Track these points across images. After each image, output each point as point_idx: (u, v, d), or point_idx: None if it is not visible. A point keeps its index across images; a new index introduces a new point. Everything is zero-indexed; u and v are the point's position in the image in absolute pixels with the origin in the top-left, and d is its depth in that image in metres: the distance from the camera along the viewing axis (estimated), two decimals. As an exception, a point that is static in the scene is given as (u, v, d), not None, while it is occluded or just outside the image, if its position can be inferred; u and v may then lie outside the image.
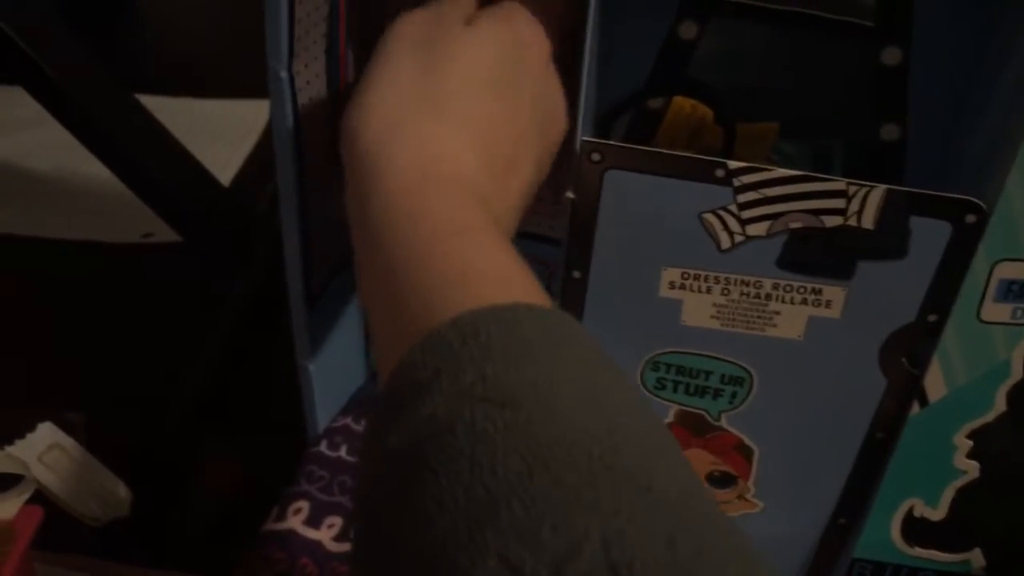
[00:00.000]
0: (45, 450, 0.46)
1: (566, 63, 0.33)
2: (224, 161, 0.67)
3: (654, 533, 0.17)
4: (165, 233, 0.59)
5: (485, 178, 0.28)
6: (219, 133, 0.70)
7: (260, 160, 0.67)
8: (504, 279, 0.24)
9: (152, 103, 0.58)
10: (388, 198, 0.26)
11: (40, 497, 0.44)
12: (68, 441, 0.46)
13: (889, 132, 0.36)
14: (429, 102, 0.28)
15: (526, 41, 0.31)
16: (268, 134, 0.34)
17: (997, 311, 0.32)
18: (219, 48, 0.79)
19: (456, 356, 0.21)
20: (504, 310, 0.22)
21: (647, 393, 0.37)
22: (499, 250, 0.25)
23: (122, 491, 0.45)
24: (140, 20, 0.86)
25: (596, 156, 0.32)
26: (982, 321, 0.32)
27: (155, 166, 0.58)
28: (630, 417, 0.21)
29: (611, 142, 0.32)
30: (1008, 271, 0.31)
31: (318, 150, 0.35)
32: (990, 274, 0.31)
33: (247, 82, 0.71)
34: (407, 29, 0.30)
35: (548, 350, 0.21)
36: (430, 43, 0.30)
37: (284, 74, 0.31)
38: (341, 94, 0.36)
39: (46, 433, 0.46)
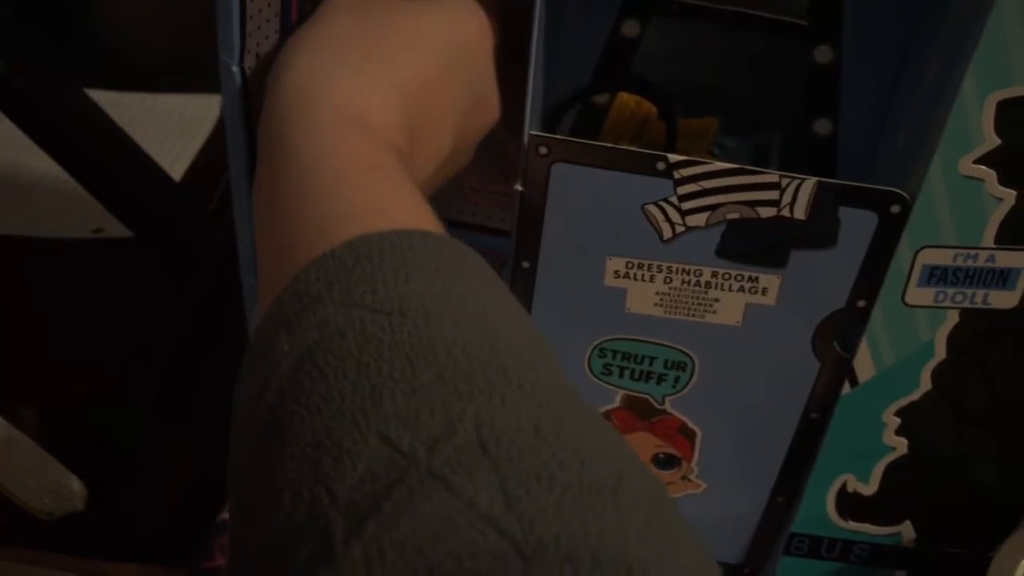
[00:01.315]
0: (-3, 445, 0.46)
1: (506, 57, 0.34)
2: (175, 156, 0.67)
3: (521, 418, 0.19)
4: (116, 228, 0.59)
5: (403, 136, 0.29)
6: (170, 128, 0.70)
7: (212, 155, 0.67)
8: (404, 212, 0.25)
9: (102, 98, 0.58)
10: (306, 136, 0.27)
11: (-7, 492, 0.44)
12: (20, 436, 0.46)
13: (822, 127, 0.37)
14: (360, 54, 0.29)
15: (462, 27, 0.32)
16: (220, 128, 0.34)
17: (920, 295, 0.34)
18: (170, 43, 0.78)
19: (349, 273, 0.22)
20: (399, 234, 0.23)
21: (594, 379, 0.38)
22: (403, 190, 0.26)
23: (76, 485, 0.45)
24: (90, 15, 0.85)
25: (543, 150, 0.33)
26: (907, 305, 0.34)
27: (105, 161, 0.58)
28: (509, 327, 0.22)
29: (558, 136, 0.33)
30: (930, 257, 0.33)
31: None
32: (913, 261, 0.33)
33: (198, 77, 0.71)
34: None
35: (437, 269, 0.23)
36: (369, 7, 0.31)
37: (235, 68, 0.32)
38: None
39: (-2, 428, 0.46)
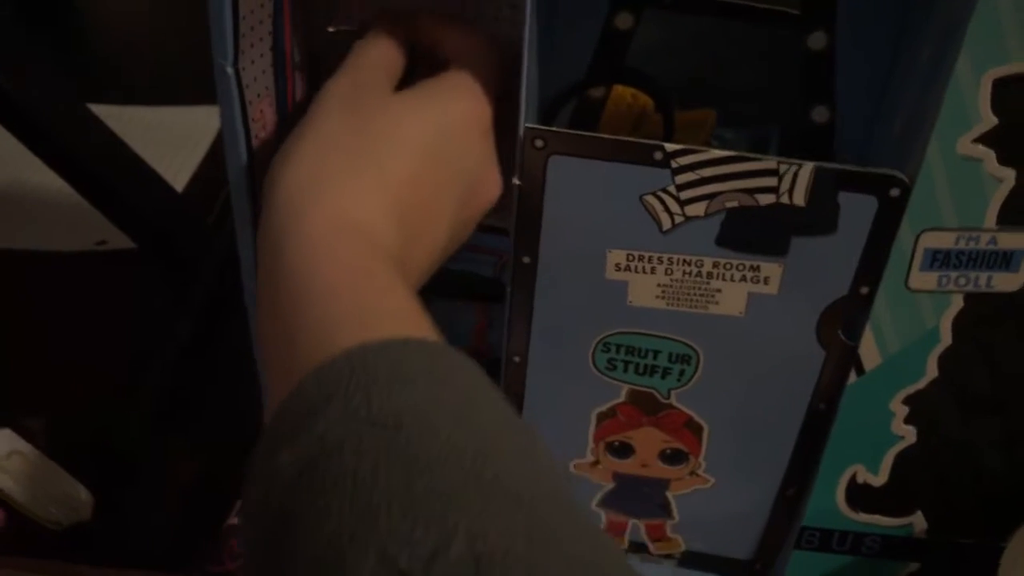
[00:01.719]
0: (5, 456, 0.46)
1: (502, 126, 0.34)
2: (178, 167, 0.67)
3: (515, 529, 0.20)
4: (119, 240, 0.59)
5: (395, 238, 0.29)
6: (172, 140, 0.70)
7: (213, 166, 0.68)
8: (400, 319, 0.26)
9: (104, 112, 0.58)
10: (299, 246, 0.27)
11: (0, 503, 0.44)
12: (27, 447, 0.46)
13: (819, 114, 0.37)
14: (351, 161, 0.30)
15: (454, 116, 0.32)
16: (221, 139, 0.34)
17: (924, 280, 0.33)
18: (169, 55, 0.79)
19: (346, 384, 0.23)
20: (394, 343, 0.24)
21: (599, 374, 0.38)
22: (398, 294, 0.27)
23: (83, 495, 0.45)
24: (89, 30, 0.86)
25: (539, 142, 0.33)
26: (910, 290, 0.34)
27: (109, 174, 0.58)
28: (502, 435, 0.23)
29: (553, 128, 0.33)
30: (932, 241, 0.33)
31: (267, 147, 0.36)
32: (915, 245, 0.33)
33: (198, 89, 0.72)
34: (337, 92, 0.32)
35: (431, 378, 0.23)
36: (359, 108, 0.31)
37: (230, 70, 0.32)
38: (288, 91, 0.37)
39: (5, 440, 0.46)
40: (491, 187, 0.34)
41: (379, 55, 0.33)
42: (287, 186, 0.29)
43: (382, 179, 0.30)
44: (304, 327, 0.25)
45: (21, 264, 0.60)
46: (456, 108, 0.32)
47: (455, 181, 0.32)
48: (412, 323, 0.26)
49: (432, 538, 0.19)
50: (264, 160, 0.36)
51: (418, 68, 0.36)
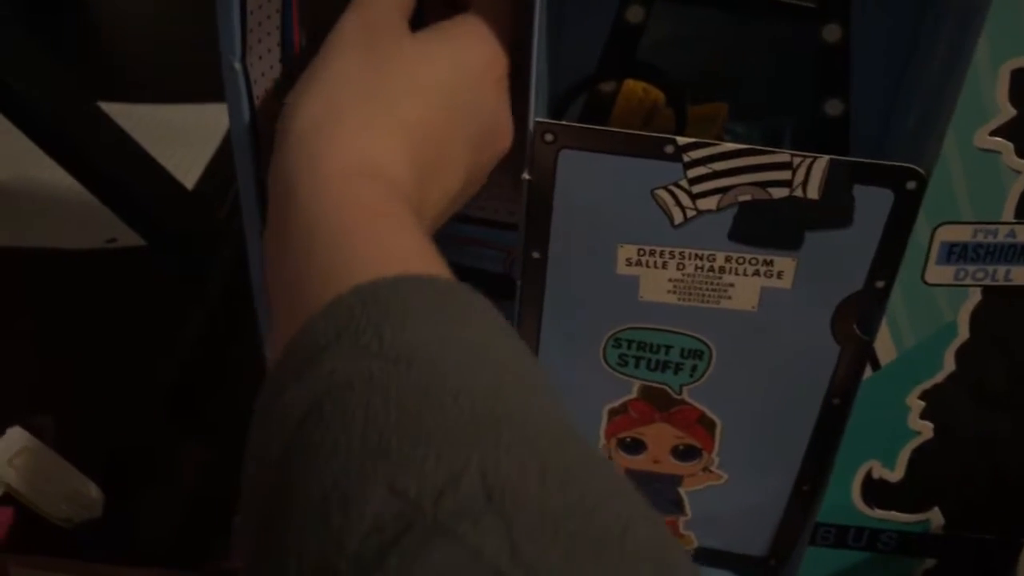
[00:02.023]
0: (14, 454, 0.45)
1: (515, 75, 0.33)
2: (188, 165, 0.67)
3: (527, 464, 0.19)
4: (129, 238, 0.59)
5: (409, 179, 0.29)
6: (182, 138, 0.70)
7: (224, 163, 0.67)
8: (413, 257, 0.25)
9: (113, 110, 0.58)
10: (314, 185, 0.27)
11: (11, 501, 0.44)
12: (37, 444, 0.46)
13: (833, 107, 0.37)
14: (367, 100, 0.29)
15: (469, 61, 0.32)
16: (230, 136, 0.34)
17: (941, 274, 0.33)
18: (178, 53, 0.79)
19: (356, 319, 0.22)
20: (404, 280, 0.23)
21: (611, 370, 0.38)
22: (411, 235, 0.26)
23: (93, 492, 0.45)
24: (99, 29, 0.86)
25: (549, 136, 0.33)
26: (927, 284, 0.33)
27: (118, 171, 0.58)
28: (514, 372, 0.23)
29: (564, 122, 0.33)
30: (949, 234, 0.32)
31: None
32: (932, 238, 0.32)
33: (207, 87, 0.71)
34: (350, 29, 0.31)
35: (442, 314, 0.23)
36: (375, 46, 0.31)
37: (238, 65, 0.32)
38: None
39: (15, 437, 0.46)
40: (504, 135, 0.33)
41: None
42: (300, 125, 0.28)
43: (397, 120, 0.29)
44: (315, 267, 0.25)
45: (31, 262, 0.60)
46: (472, 53, 0.32)
47: (469, 126, 0.31)
48: (425, 261, 0.25)
49: (444, 470, 0.19)
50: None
51: (430, 5, 0.35)
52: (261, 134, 0.34)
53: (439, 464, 0.19)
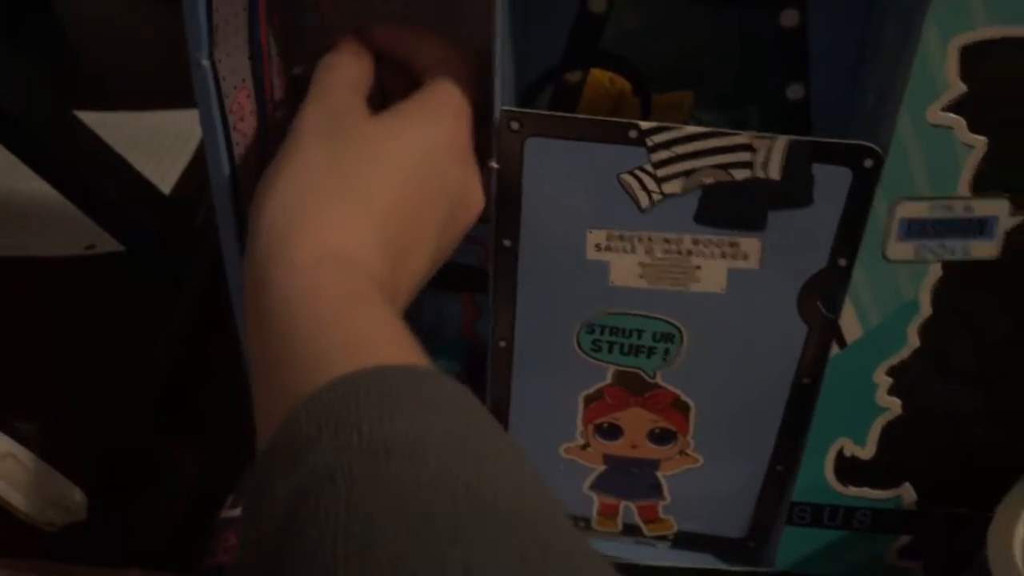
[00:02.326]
0: (-3, 460, 0.46)
1: (481, 136, 0.34)
2: (164, 170, 0.68)
3: (510, 551, 0.20)
4: (108, 244, 0.59)
5: (380, 264, 0.29)
6: (157, 144, 0.70)
7: (201, 168, 0.68)
8: (389, 347, 0.26)
9: (89, 118, 0.58)
10: (285, 276, 0.28)
11: (-6, 507, 0.44)
12: (21, 451, 0.46)
13: (794, 92, 0.37)
14: (333, 189, 0.30)
15: (432, 141, 0.32)
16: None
17: (901, 250, 0.34)
18: (152, 61, 0.79)
19: (336, 413, 0.23)
20: (382, 370, 0.24)
21: (584, 356, 0.38)
22: (386, 322, 0.27)
23: (77, 496, 0.46)
24: (70, 38, 0.86)
25: (515, 125, 0.33)
26: (888, 260, 0.34)
27: (96, 178, 0.58)
28: (494, 457, 0.23)
29: (529, 110, 0.33)
30: (907, 210, 0.33)
31: (246, 141, 0.36)
32: (891, 215, 0.33)
33: (183, 93, 0.72)
34: (312, 118, 0.32)
35: (420, 404, 0.24)
36: (335, 135, 0.31)
37: (206, 62, 0.32)
38: (266, 82, 0.37)
39: (-3, 444, 0.46)
40: (473, 204, 0.34)
41: (348, 75, 0.33)
42: (269, 218, 0.29)
43: (364, 207, 0.30)
44: (292, 360, 0.25)
45: (11, 270, 0.60)
46: (436, 130, 0.32)
47: (438, 203, 0.32)
48: (401, 351, 0.26)
49: (428, 571, 0.19)
50: (243, 153, 0.36)
51: (388, 80, 0.36)
52: (231, 129, 0.35)
53: (424, 565, 0.19)
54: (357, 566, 0.20)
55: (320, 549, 0.20)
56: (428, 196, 0.32)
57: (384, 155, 0.31)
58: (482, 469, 0.22)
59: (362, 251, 0.29)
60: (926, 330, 0.35)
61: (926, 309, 0.35)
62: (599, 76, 0.40)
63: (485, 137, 0.34)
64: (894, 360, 0.36)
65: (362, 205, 0.30)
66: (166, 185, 0.66)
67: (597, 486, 0.42)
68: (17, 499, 0.45)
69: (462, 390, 0.25)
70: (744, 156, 0.33)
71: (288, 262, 0.28)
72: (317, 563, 0.20)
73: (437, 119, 0.33)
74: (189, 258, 0.58)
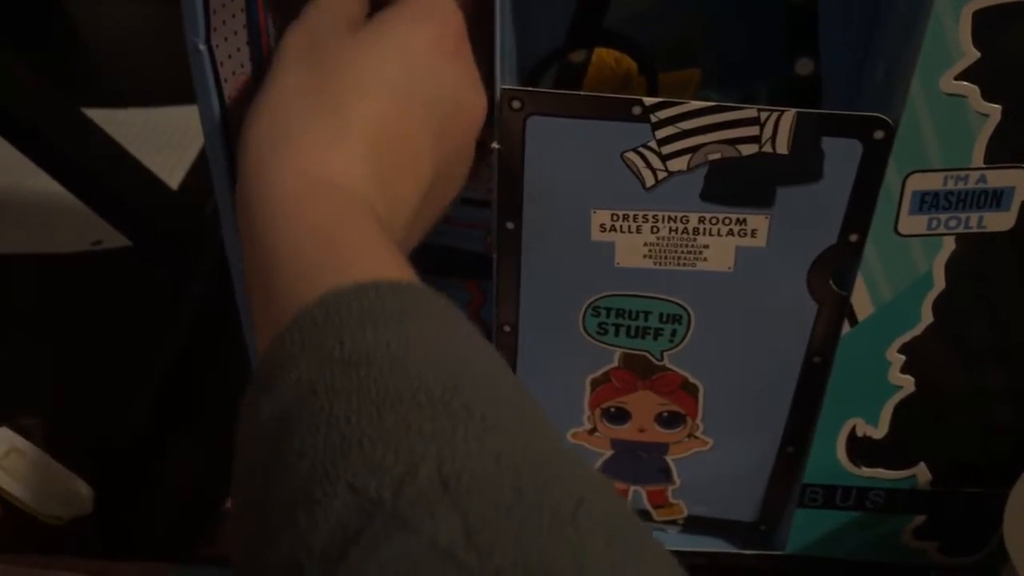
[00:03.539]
0: (3, 455, 0.46)
1: (478, 42, 0.33)
2: (172, 165, 0.68)
3: (483, 451, 0.20)
4: (115, 239, 0.59)
5: (368, 181, 0.29)
6: (165, 140, 0.70)
7: (208, 164, 0.67)
8: (373, 263, 0.26)
9: (97, 115, 0.58)
10: (273, 204, 0.27)
11: (1, 501, 0.44)
12: (26, 445, 0.46)
13: (804, 66, 0.37)
14: (312, 110, 0.29)
15: (414, 43, 0.31)
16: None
17: (914, 223, 0.33)
18: (158, 58, 0.79)
19: (320, 329, 0.23)
20: (367, 287, 0.24)
21: (590, 339, 0.38)
22: (372, 239, 0.27)
23: (83, 489, 0.45)
24: (78, 35, 0.86)
25: (516, 104, 0.33)
26: (900, 235, 0.33)
27: (102, 174, 0.58)
28: (474, 365, 0.23)
29: (530, 88, 0.33)
30: (920, 183, 0.32)
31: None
32: (903, 188, 0.32)
33: (188, 89, 0.71)
34: (293, 42, 0.31)
35: (403, 314, 0.24)
36: (315, 55, 0.30)
37: (203, 47, 0.32)
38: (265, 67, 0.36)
39: (3, 438, 0.46)
40: (473, 108, 0.32)
41: (333, 3, 0.32)
42: (251, 147, 0.29)
43: (347, 124, 0.29)
44: (280, 284, 0.26)
45: (18, 266, 0.61)
46: (417, 34, 0.31)
47: (428, 111, 0.31)
48: (387, 266, 0.26)
49: (401, 465, 0.19)
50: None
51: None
52: (231, 114, 0.34)
53: (397, 459, 0.20)
54: (334, 471, 0.20)
55: (302, 460, 0.20)
56: (413, 104, 0.30)
57: (358, 67, 0.30)
58: (462, 378, 0.22)
59: (346, 171, 0.28)
60: (940, 305, 0.34)
61: (940, 284, 0.34)
62: (604, 56, 0.39)
63: (483, 50, 0.32)
64: (907, 337, 0.35)
65: (340, 121, 0.29)
66: (173, 181, 0.66)
67: (605, 471, 0.42)
68: (23, 493, 0.45)
69: (451, 306, 0.25)
70: (751, 131, 0.32)
71: (271, 185, 0.28)
72: (300, 473, 0.20)
73: (416, 20, 0.31)
74: (196, 253, 0.58)
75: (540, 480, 0.20)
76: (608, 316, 0.37)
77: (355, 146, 0.29)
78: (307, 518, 0.19)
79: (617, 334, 0.37)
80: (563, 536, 0.18)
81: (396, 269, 0.26)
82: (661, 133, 0.33)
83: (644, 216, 0.34)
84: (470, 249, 0.44)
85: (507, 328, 0.38)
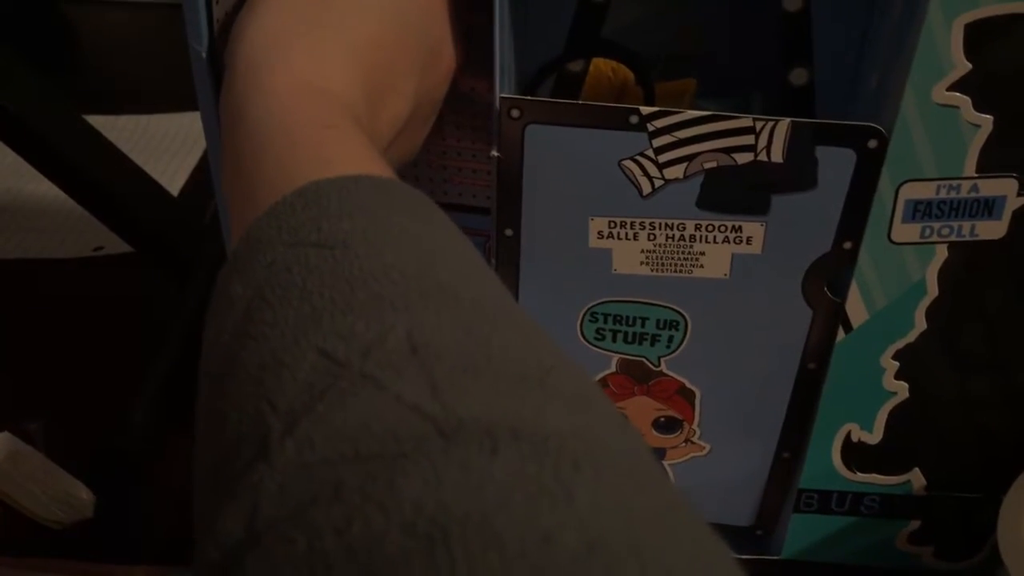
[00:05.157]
0: (3, 459, 0.46)
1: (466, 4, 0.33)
2: (173, 171, 0.68)
3: (454, 323, 0.20)
4: (116, 245, 0.59)
5: (359, 99, 0.29)
6: (166, 147, 0.71)
7: (209, 170, 0.68)
8: (357, 161, 0.26)
9: (98, 122, 0.59)
10: (263, 103, 0.27)
11: (1, 504, 0.44)
12: (27, 449, 0.46)
13: (798, 77, 0.37)
14: (312, 22, 0.30)
15: None
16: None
17: (907, 232, 0.33)
18: (159, 65, 0.80)
19: (298, 215, 0.23)
20: (348, 179, 0.24)
21: (588, 345, 0.38)
22: (357, 144, 0.27)
23: (84, 494, 0.46)
24: (78, 43, 0.87)
25: (515, 112, 0.33)
26: (894, 243, 0.34)
27: (104, 180, 0.58)
28: (451, 254, 0.23)
29: (528, 97, 0.33)
30: (913, 191, 0.33)
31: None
32: (896, 196, 0.33)
33: (189, 96, 0.72)
34: None
35: (382, 204, 0.24)
36: None
37: (205, 54, 0.32)
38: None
39: (4, 443, 0.46)
40: (447, 56, 0.33)
41: None
42: (248, 50, 0.29)
43: (344, 40, 0.29)
44: (263, 178, 0.25)
45: (20, 272, 0.61)
46: None
47: (418, 45, 0.31)
48: (369, 164, 0.26)
49: (371, 333, 0.20)
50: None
51: None
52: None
53: (368, 328, 0.20)
54: (304, 339, 0.20)
55: (274, 330, 0.21)
56: (405, 37, 0.31)
57: None
58: (437, 261, 0.22)
59: (340, 84, 0.29)
60: (933, 312, 0.35)
61: (933, 291, 0.34)
62: (601, 66, 0.40)
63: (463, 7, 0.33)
64: (901, 344, 0.36)
65: (339, 35, 0.29)
66: (174, 187, 0.66)
67: (604, 477, 0.42)
68: (24, 497, 0.45)
69: (431, 203, 0.25)
70: (747, 140, 0.33)
71: (263, 90, 0.28)
72: (270, 342, 0.20)
73: None
74: (197, 259, 0.58)
75: (511, 351, 0.20)
76: (605, 322, 0.37)
77: (350, 64, 0.29)
78: (274, 379, 0.20)
79: (614, 340, 0.38)
80: (529, 396, 0.19)
81: (379, 169, 0.26)
82: (658, 142, 0.33)
83: (641, 223, 0.35)
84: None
85: (506, 334, 0.38)
